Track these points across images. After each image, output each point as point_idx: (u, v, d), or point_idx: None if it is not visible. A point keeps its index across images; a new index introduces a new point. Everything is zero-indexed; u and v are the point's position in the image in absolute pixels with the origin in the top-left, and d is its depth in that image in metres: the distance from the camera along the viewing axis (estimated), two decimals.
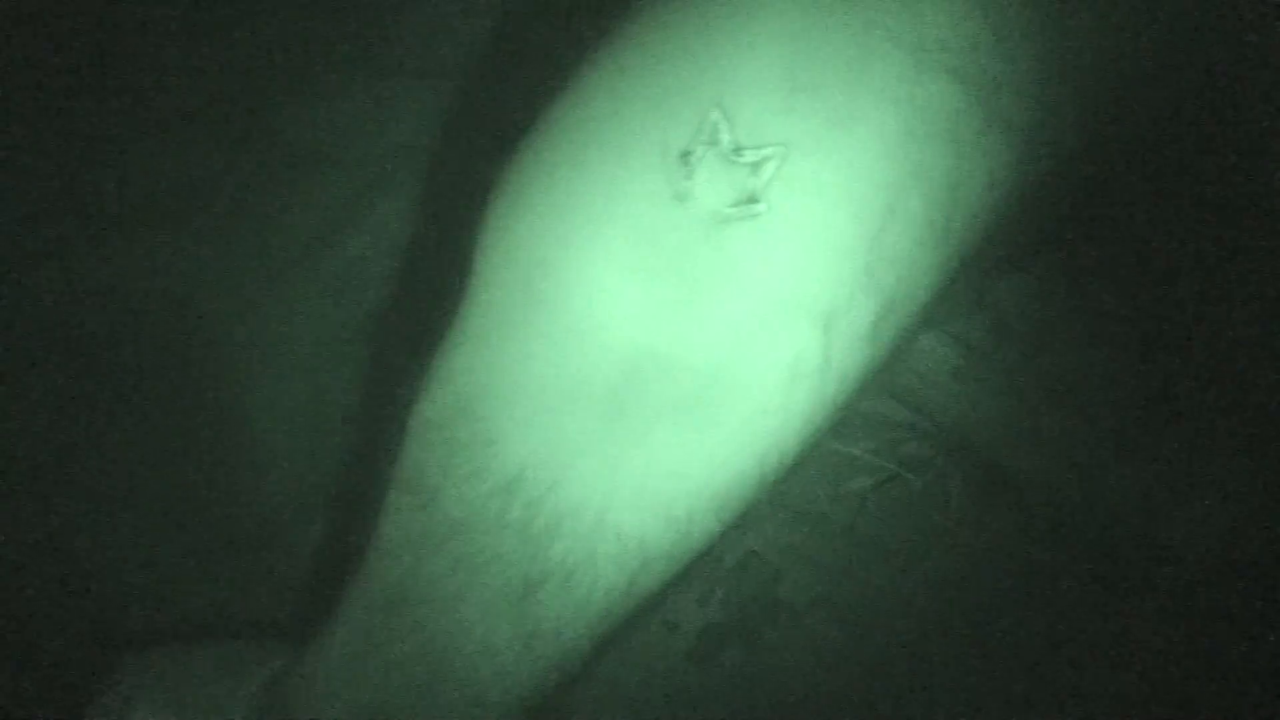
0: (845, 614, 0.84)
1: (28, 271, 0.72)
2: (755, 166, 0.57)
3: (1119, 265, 0.85)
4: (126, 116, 0.76)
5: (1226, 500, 0.81)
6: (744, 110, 0.57)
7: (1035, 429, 0.85)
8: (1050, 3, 0.60)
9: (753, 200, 0.57)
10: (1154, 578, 0.82)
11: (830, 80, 0.57)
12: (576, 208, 0.58)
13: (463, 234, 0.60)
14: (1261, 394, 0.83)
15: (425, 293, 0.68)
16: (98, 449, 0.69)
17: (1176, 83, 0.68)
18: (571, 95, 0.60)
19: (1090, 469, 0.83)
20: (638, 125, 0.57)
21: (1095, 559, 0.85)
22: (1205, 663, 0.81)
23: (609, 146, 0.58)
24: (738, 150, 0.57)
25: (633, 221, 0.57)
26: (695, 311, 0.57)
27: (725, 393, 0.58)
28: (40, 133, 0.74)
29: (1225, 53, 0.69)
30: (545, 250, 0.58)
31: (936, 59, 0.58)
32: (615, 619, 0.63)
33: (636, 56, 0.59)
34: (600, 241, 0.57)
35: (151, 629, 0.71)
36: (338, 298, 0.72)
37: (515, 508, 0.60)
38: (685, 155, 0.57)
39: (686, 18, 0.58)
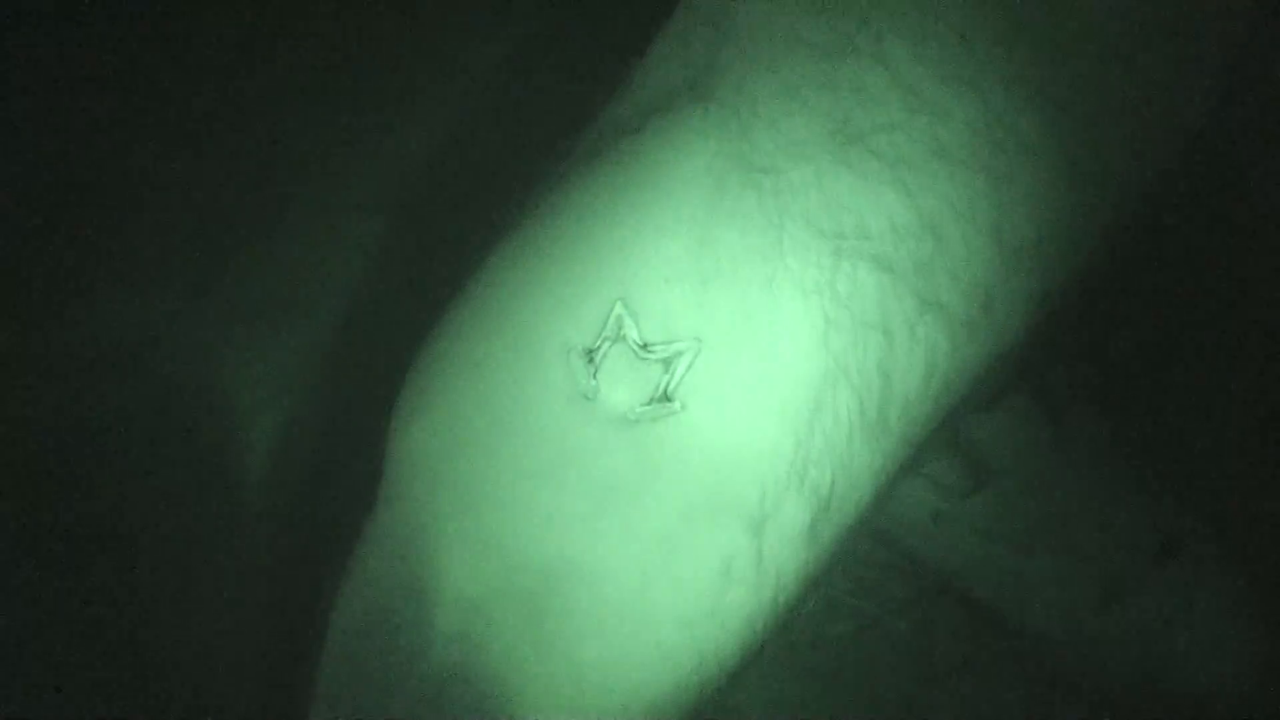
0: None
1: None
2: (666, 363, 0.54)
3: (1096, 390, 0.80)
4: (89, 269, 0.73)
5: (1226, 640, 0.76)
6: (651, 303, 0.54)
7: (1021, 572, 0.80)
8: (980, 177, 0.56)
9: (665, 399, 0.54)
10: None
11: (743, 271, 0.54)
12: (476, 412, 0.54)
13: (371, 433, 0.57)
14: (1266, 522, 0.78)
15: (340, 487, 0.65)
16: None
17: (1123, 240, 0.64)
18: (473, 288, 0.57)
19: (1081, 613, 0.78)
20: (538, 321, 0.54)
21: (1093, 705, 0.80)
22: None
23: (508, 344, 0.54)
24: (645, 346, 0.54)
25: (537, 425, 0.54)
26: (613, 520, 0.53)
27: (653, 601, 0.54)
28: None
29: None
30: (447, 459, 0.55)
31: (856, 246, 0.54)
32: None
33: (536, 247, 0.55)
34: (504, 449, 0.54)
35: None
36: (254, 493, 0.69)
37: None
38: (589, 352, 0.54)
39: (590, 206, 0.55)
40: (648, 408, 0.54)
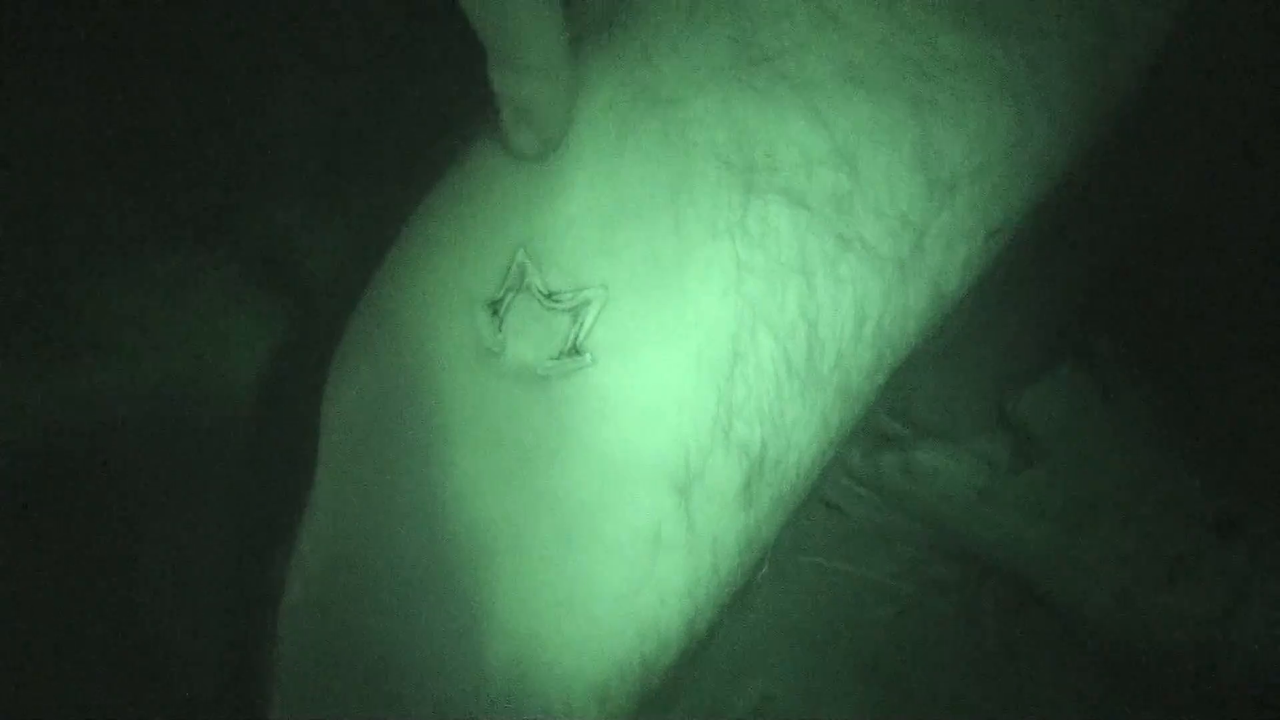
0: None
1: None
2: (573, 313, 0.51)
3: (1149, 359, 0.72)
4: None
5: None
6: (556, 250, 0.51)
7: (1074, 551, 0.73)
8: (900, 101, 0.51)
9: (575, 352, 0.51)
10: (1213, 708, 0.68)
11: (650, 212, 0.50)
12: (393, 373, 0.52)
13: (309, 400, 0.55)
14: None
15: (279, 464, 0.64)
16: None
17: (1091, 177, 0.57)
18: (396, 246, 0.55)
19: (1136, 594, 0.71)
20: (446, 274, 0.52)
21: (1150, 691, 0.72)
22: None
23: (420, 300, 0.52)
24: (551, 295, 0.51)
25: (447, 383, 0.51)
26: (530, 484, 0.50)
27: (581, 572, 0.51)
28: None
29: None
30: (370, 423, 0.53)
31: (768, 180, 0.50)
32: None
33: (446, 198, 0.53)
34: (418, 410, 0.52)
35: None
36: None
37: (383, 704, 0.54)
38: (493, 304, 0.51)
39: (493, 152, 0.52)
40: (556, 361, 0.51)
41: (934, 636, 0.76)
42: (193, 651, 0.64)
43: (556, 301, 0.51)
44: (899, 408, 0.74)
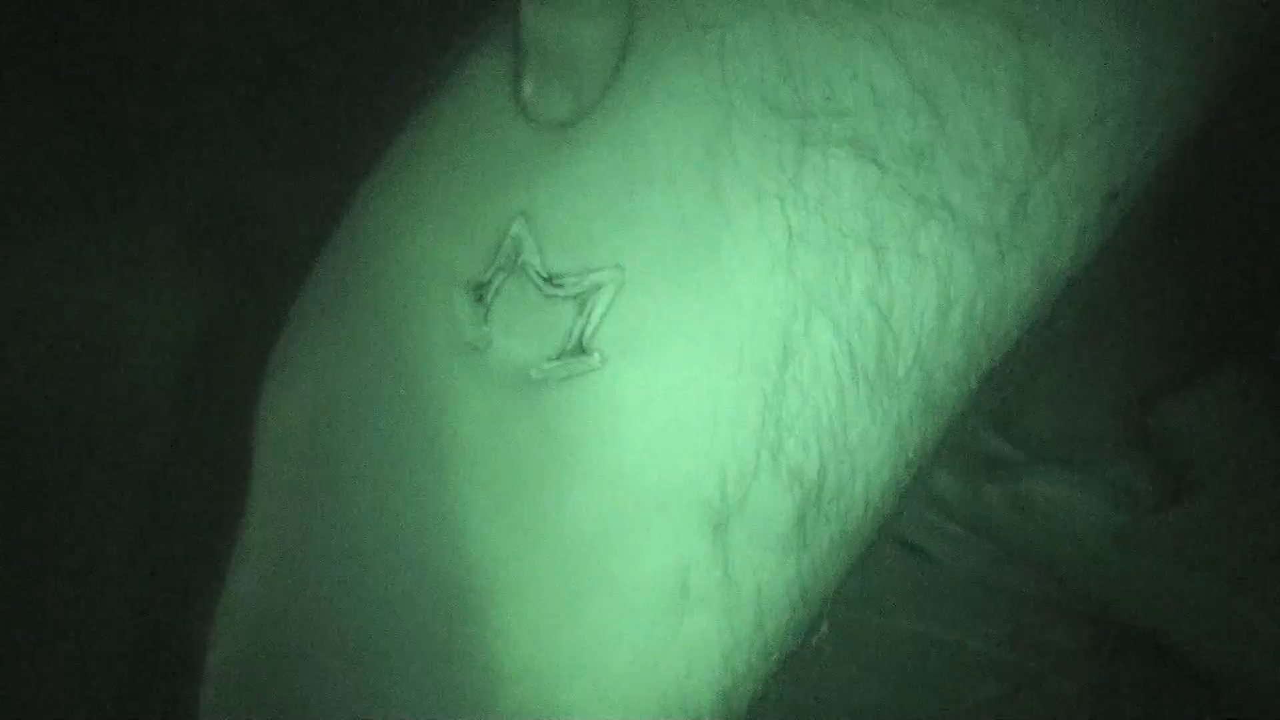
0: None
1: None
2: (580, 301, 0.41)
3: None
4: None
5: None
6: (560, 220, 0.41)
7: (1239, 614, 0.60)
8: (996, 27, 0.42)
9: (581, 350, 0.41)
10: None
11: (679, 170, 0.41)
12: (346, 377, 0.43)
13: (240, 404, 0.45)
14: None
15: (200, 486, 0.53)
16: None
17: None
18: (348, 220, 0.45)
19: None
20: (415, 250, 0.42)
21: None
22: None
23: (381, 284, 0.43)
24: (552, 278, 0.41)
25: (416, 391, 0.42)
26: (522, 519, 0.41)
27: (589, 631, 0.42)
28: None
29: None
30: (315, 442, 0.43)
31: (828, 127, 0.41)
32: None
33: (416, 157, 0.44)
34: (377, 426, 0.42)
35: None
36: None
37: None
38: (478, 288, 0.41)
39: (479, 96, 0.43)
40: (557, 363, 0.41)
41: None
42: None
43: (558, 286, 0.41)
44: (1006, 422, 0.62)
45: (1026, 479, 0.62)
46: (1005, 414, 0.61)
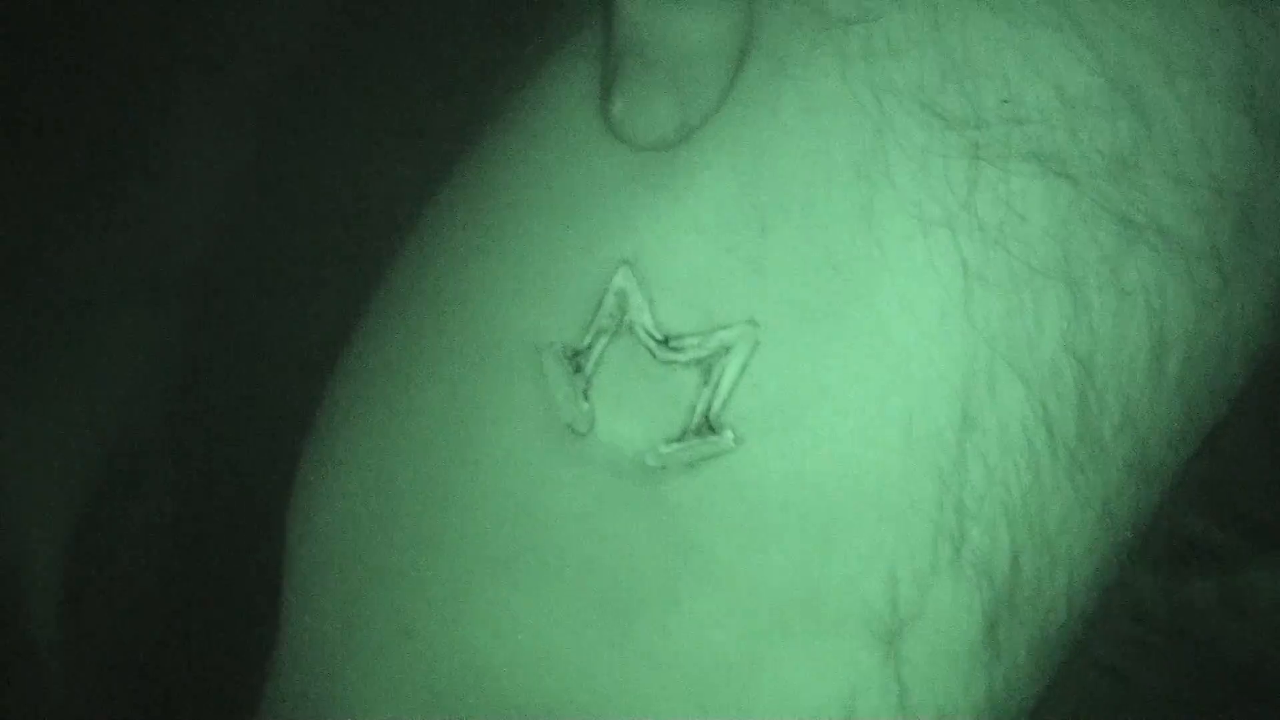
0: None
1: None
2: (704, 366, 0.33)
3: None
4: None
5: None
6: (675, 268, 0.34)
7: None
8: (1209, 6, 0.35)
9: (708, 428, 0.33)
10: None
11: (825, 201, 0.33)
12: (404, 464, 0.36)
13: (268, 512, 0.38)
14: None
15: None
16: None
17: None
18: (400, 272, 0.39)
19: None
20: (493, 307, 0.35)
21: None
22: None
23: (448, 350, 0.36)
24: (668, 340, 0.33)
25: (497, 481, 0.35)
26: (643, 636, 0.34)
27: None
28: None
29: None
30: (364, 543, 0.37)
31: (1006, 137, 0.34)
32: None
33: (488, 191, 0.37)
34: (447, 525, 0.35)
35: None
36: None
37: None
38: (575, 355, 0.34)
39: (569, 114, 0.36)
40: (679, 445, 0.33)
41: None
42: None
43: (677, 349, 0.33)
44: (1215, 499, 0.53)
45: (1244, 571, 0.53)
46: (1214, 488, 0.53)
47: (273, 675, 0.39)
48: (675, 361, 0.33)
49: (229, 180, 0.51)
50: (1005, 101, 0.34)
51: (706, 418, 0.33)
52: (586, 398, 0.34)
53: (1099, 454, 0.35)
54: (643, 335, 0.33)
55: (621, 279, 0.33)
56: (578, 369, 0.34)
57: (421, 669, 0.35)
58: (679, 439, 0.33)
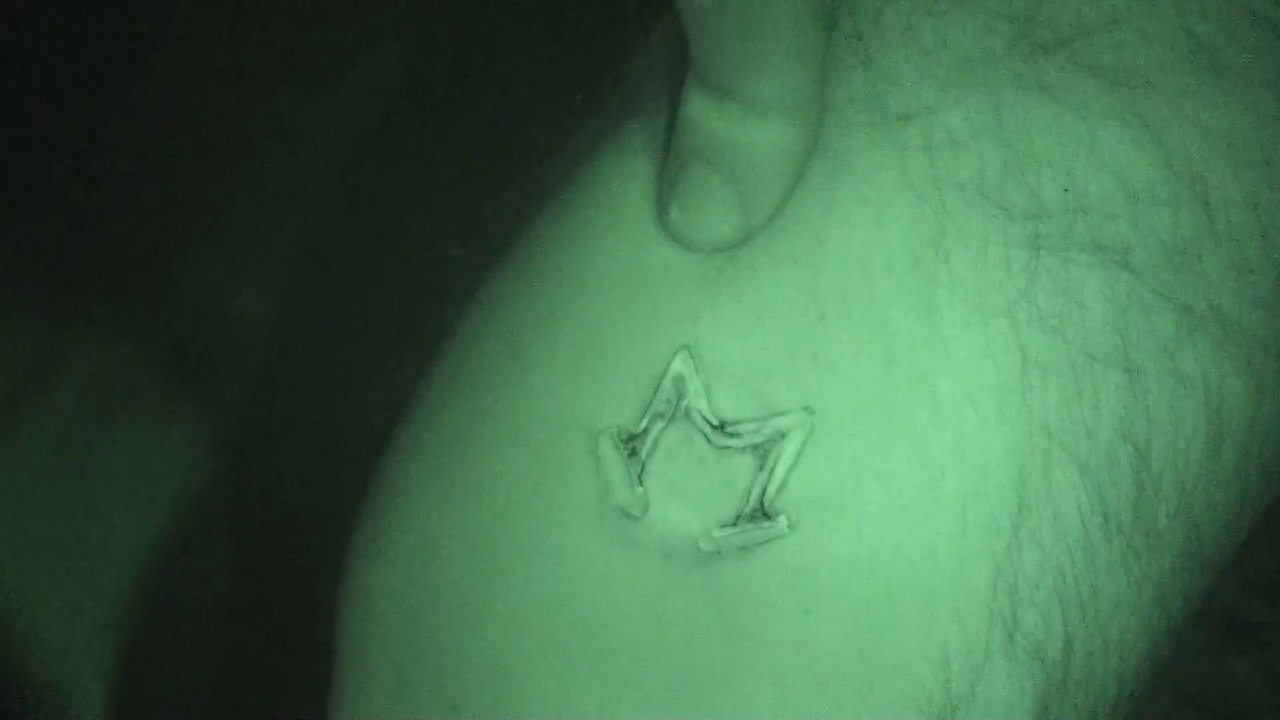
0: None
1: None
2: (759, 452, 0.34)
3: None
4: None
5: None
6: (731, 357, 0.34)
7: None
8: (1271, 96, 0.36)
9: (763, 514, 0.34)
10: None
11: (884, 290, 0.34)
12: (456, 549, 0.36)
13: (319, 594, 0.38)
14: None
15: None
16: None
17: None
18: (453, 352, 0.39)
19: None
20: (548, 391, 0.36)
21: None
22: None
23: (498, 433, 0.36)
24: (724, 426, 0.34)
25: (550, 566, 0.35)
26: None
27: None
28: None
29: None
30: (428, 631, 0.37)
31: (1068, 228, 0.34)
32: None
33: (542, 274, 0.37)
34: (497, 609, 0.35)
35: None
36: None
37: None
38: (631, 440, 0.34)
39: (622, 200, 0.37)
40: (733, 530, 0.34)
41: None
42: None
43: (732, 435, 0.34)
44: (1255, 575, 0.53)
45: None
46: (1256, 565, 0.52)
47: None
48: (731, 447, 0.33)
49: (289, 257, 0.51)
50: (1066, 191, 0.34)
51: (761, 503, 0.33)
52: (641, 482, 0.34)
53: (1154, 541, 0.35)
54: (699, 420, 0.34)
55: (679, 364, 0.34)
56: (633, 453, 0.34)
57: None
58: (733, 524, 0.33)
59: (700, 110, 0.33)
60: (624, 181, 0.36)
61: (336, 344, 0.51)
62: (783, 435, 0.33)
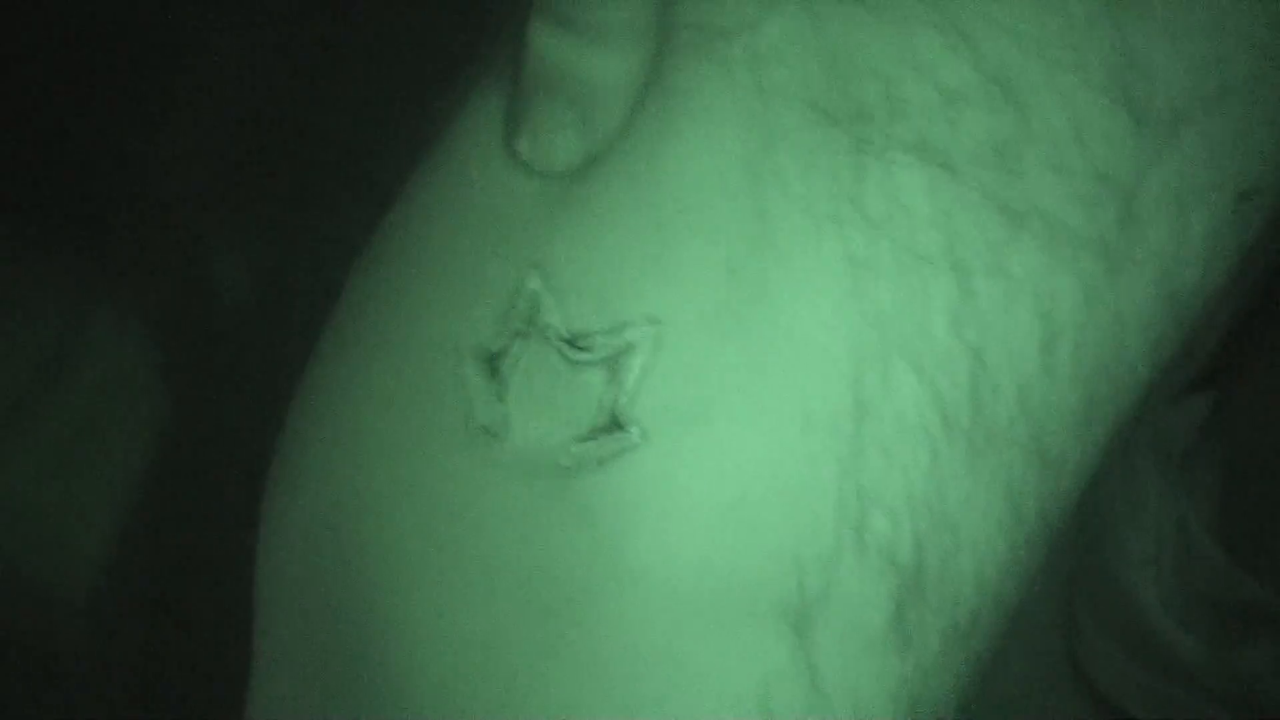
0: None
1: None
2: (610, 365, 0.34)
3: None
4: None
5: None
6: (581, 273, 0.35)
7: None
8: (1089, 6, 0.36)
9: (615, 426, 0.34)
10: None
11: (720, 202, 0.35)
12: (354, 476, 0.37)
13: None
14: None
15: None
16: None
17: None
18: (351, 289, 0.40)
19: None
20: (421, 317, 0.37)
21: None
22: None
23: (385, 365, 0.37)
24: (575, 340, 0.35)
25: (433, 488, 0.36)
26: (563, 637, 0.35)
27: None
28: None
29: None
30: (324, 555, 0.38)
31: (888, 130, 0.35)
32: None
33: (418, 223, 0.39)
34: (389, 543, 0.37)
35: None
36: None
37: None
38: (491, 358, 0.35)
39: (491, 140, 0.38)
40: (589, 444, 0.34)
41: None
42: None
43: (584, 349, 0.35)
44: (1268, 565, 0.51)
45: None
46: (1269, 555, 0.51)
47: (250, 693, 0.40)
48: (583, 361, 0.34)
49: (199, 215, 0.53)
50: (886, 96, 0.35)
51: (613, 415, 0.34)
52: (502, 399, 0.35)
53: (996, 440, 0.36)
54: (552, 337, 0.35)
55: (533, 281, 0.35)
56: (493, 372, 0.35)
57: (377, 681, 0.36)
58: (588, 437, 0.34)
59: (542, 41, 0.34)
60: (483, 116, 0.38)
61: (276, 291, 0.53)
62: (631, 347, 0.34)
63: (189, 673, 0.54)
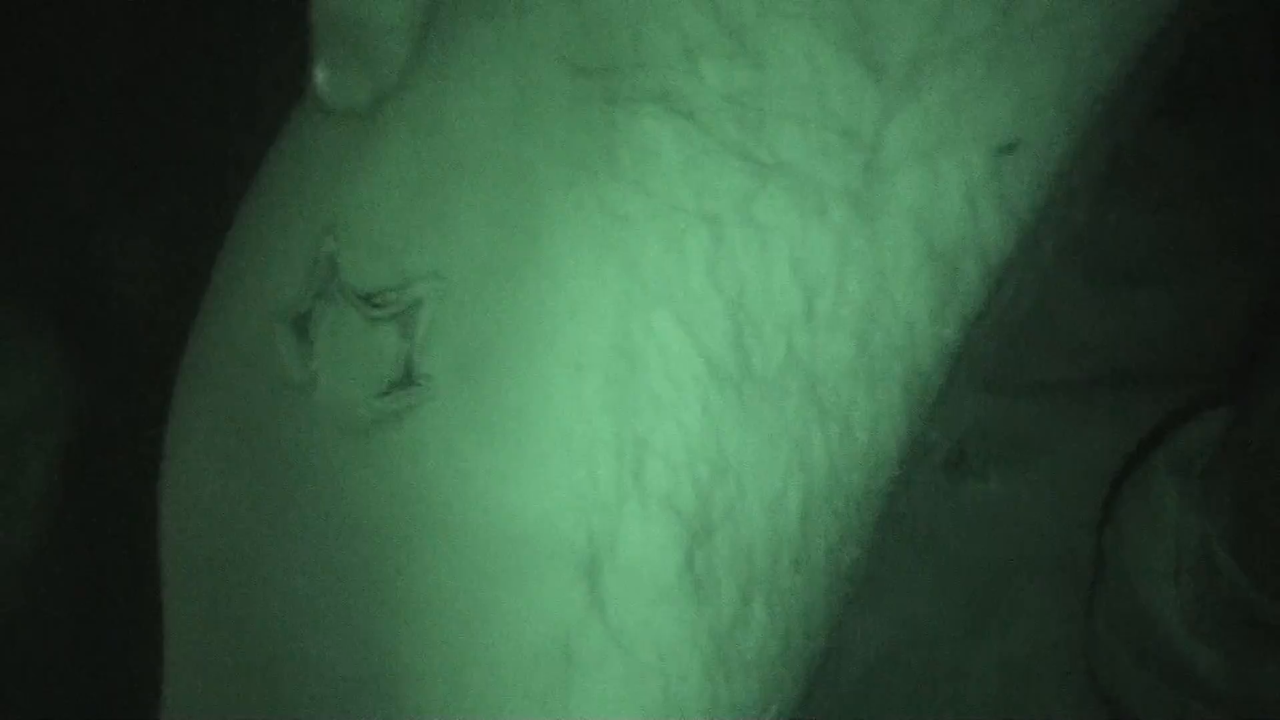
0: None
1: None
2: (401, 321, 0.35)
3: None
4: None
5: None
6: (372, 230, 0.36)
7: None
8: None
9: (409, 379, 0.35)
10: None
11: (492, 158, 0.36)
12: (208, 443, 0.39)
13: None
14: None
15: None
16: None
17: None
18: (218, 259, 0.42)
19: None
20: (244, 284, 0.38)
21: None
22: None
23: (221, 334, 0.39)
24: (370, 298, 0.35)
25: (260, 447, 0.37)
26: (388, 590, 0.36)
27: (481, 713, 0.36)
28: None
29: None
30: (196, 520, 0.40)
31: (636, 82, 0.36)
32: None
33: (258, 182, 0.40)
34: (232, 512, 0.38)
35: None
36: None
37: None
38: (300, 320, 0.36)
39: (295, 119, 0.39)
40: (387, 398, 0.35)
41: None
42: None
43: (378, 306, 0.35)
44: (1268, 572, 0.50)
45: None
46: (1261, 560, 0.49)
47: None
48: (378, 318, 0.35)
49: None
50: (633, 48, 0.35)
51: (407, 369, 0.35)
52: (311, 357, 0.36)
53: (768, 389, 0.35)
54: (350, 296, 0.35)
55: (330, 243, 0.36)
56: (302, 332, 0.36)
57: (247, 644, 0.38)
58: (387, 392, 0.35)
59: None
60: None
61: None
62: (419, 303, 0.35)
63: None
